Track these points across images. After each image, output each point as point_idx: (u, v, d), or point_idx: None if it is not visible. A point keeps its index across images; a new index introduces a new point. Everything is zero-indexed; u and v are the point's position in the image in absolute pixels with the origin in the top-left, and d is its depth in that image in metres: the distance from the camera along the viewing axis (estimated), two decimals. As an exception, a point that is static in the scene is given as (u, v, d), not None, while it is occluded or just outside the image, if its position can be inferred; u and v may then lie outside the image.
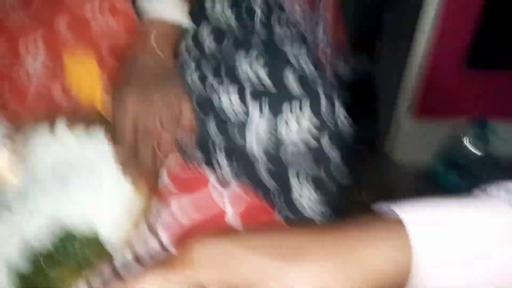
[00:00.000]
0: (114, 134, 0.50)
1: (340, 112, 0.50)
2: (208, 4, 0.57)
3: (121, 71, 0.53)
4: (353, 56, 1.59)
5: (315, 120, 0.47)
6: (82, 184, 0.47)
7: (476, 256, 0.26)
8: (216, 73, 0.51)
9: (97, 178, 0.48)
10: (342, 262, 0.25)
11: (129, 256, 0.45)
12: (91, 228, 0.44)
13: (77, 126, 0.55)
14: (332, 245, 0.25)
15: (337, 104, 0.50)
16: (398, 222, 0.26)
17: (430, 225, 0.26)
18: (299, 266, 0.25)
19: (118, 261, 0.44)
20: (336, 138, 0.50)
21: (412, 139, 1.17)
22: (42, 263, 0.42)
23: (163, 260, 0.26)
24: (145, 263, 0.45)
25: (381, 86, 1.35)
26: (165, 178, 0.51)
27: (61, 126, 0.54)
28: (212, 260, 0.25)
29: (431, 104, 1.11)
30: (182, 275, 0.25)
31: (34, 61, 0.55)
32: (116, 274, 0.44)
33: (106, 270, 0.43)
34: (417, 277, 0.26)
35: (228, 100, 0.48)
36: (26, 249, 0.43)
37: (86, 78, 0.59)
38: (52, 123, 0.54)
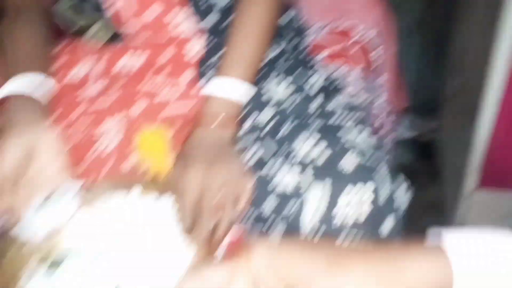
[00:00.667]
0: (180, 206, 0.54)
1: (401, 193, 0.50)
2: (267, 87, 0.62)
3: (188, 145, 0.57)
4: (416, 120, 1.57)
5: (372, 204, 0.47)
6: (152, 245, 0.50)
7: None
8: (277, 154, 0.54)
9: (162, 244, 0.52)
10: (383, 272, 0.27)
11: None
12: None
13: (148, 194, 0.60)
14: (376, 258, 0.29)
15: (402, 187, 0.50)
16: (438, 247, 0.28)
17: (468, 249, 0.28)
18: (346, 272, 0.28)
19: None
20: (399, 224, 0.49)
21: (482, 211, 1.10)
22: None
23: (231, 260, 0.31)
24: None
25: (446, 152, 1.31)
26: (222, 250, 0.53)
27: (134, 194, 0.59)
28: (271, 257, 0.29)
29: (500, 175, 1.05)
30: (246, 271, 0.30)
31: (111, 140, 0.62)
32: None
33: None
34: None
35: (288, 180, 0.50)
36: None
37: (156, 151, 0.64)
38: (127, 191, 0.59)
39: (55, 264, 0.54)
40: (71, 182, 0.54)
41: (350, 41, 0.89)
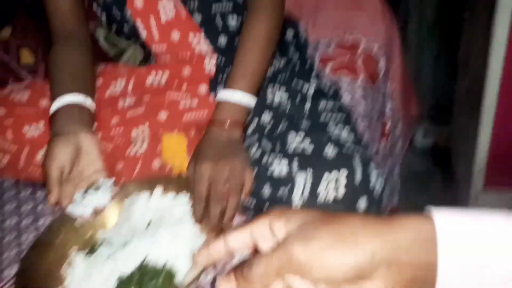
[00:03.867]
0: (193, 196, 0.64)
1: (377, 181, 0.58)
2: (269, 95, 0.72)
3: (200, 144, 0.68)
4: (431, 128, 1.61)
5: (348, 186, 0.56)
6: (169, 235, 0.60)
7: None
8: (273, 150, 0.64)
9: (180, 230, 0.61)
10: (381, 242, 0.29)
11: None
12: (170, 267, 0.56)
13: (169, 191, 0.70)
14: (375, 227, 0.30)
15: (373, 173, 0.58)
16: (429, 217, 0.30)
17: (458, 223, 0.29)
18: (342, 219, 0.30)
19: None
20: (373, 203, 0.58)
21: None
22: (125, 281, 0.56)
23: None
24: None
25: (457, 156, 1.35)
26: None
27: (157, 193, 0.70)
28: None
29: (506, 175, 1.09)
30: None
31: (141, 144, 0.74)
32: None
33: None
34: (443, 266, 0.28)
35: (280, 170, 0.60)
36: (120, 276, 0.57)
37: (177, 153, 0.75)
38: (151, 190, 0.70)
39: (92, 250, 0.65)
40: (106, 179, 0.65)
41: (356, 54, 0.97)
